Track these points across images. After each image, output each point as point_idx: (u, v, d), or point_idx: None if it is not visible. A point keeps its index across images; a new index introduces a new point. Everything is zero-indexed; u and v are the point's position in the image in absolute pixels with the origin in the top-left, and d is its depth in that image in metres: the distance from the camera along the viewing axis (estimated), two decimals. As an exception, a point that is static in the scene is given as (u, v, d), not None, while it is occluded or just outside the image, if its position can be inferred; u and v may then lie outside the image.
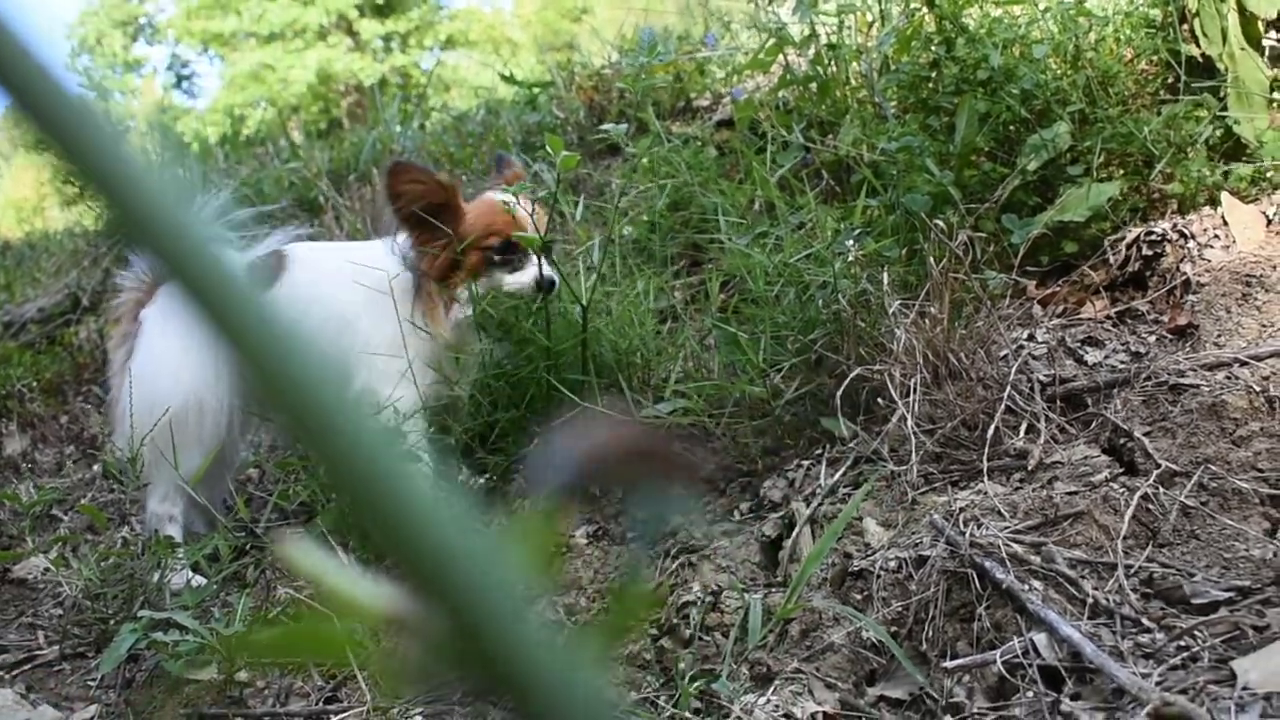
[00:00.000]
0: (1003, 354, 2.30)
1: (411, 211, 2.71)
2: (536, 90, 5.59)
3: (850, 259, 2.46)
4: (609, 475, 0.47)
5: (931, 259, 2.31)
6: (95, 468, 3.83)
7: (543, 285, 2.68)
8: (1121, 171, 2.91)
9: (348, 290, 2.70)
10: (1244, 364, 2.11)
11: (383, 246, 2.81)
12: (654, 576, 2.15)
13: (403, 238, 2.76)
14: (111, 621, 2.40)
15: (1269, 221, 2.60)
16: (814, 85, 3.70)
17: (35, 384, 4.71)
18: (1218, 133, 2.88)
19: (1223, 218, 2.65)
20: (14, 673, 2.37)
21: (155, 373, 2.78)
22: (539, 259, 2.70)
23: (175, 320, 2.85)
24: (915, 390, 2.18)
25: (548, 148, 2.57)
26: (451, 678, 0.36)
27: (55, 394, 4.69)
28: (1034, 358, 2.31)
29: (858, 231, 2.61)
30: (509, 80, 5.98)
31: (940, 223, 2.44)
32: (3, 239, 7.90)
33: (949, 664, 1.60)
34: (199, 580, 2.52)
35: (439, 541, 0.34)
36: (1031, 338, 2.42)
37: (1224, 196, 2.68)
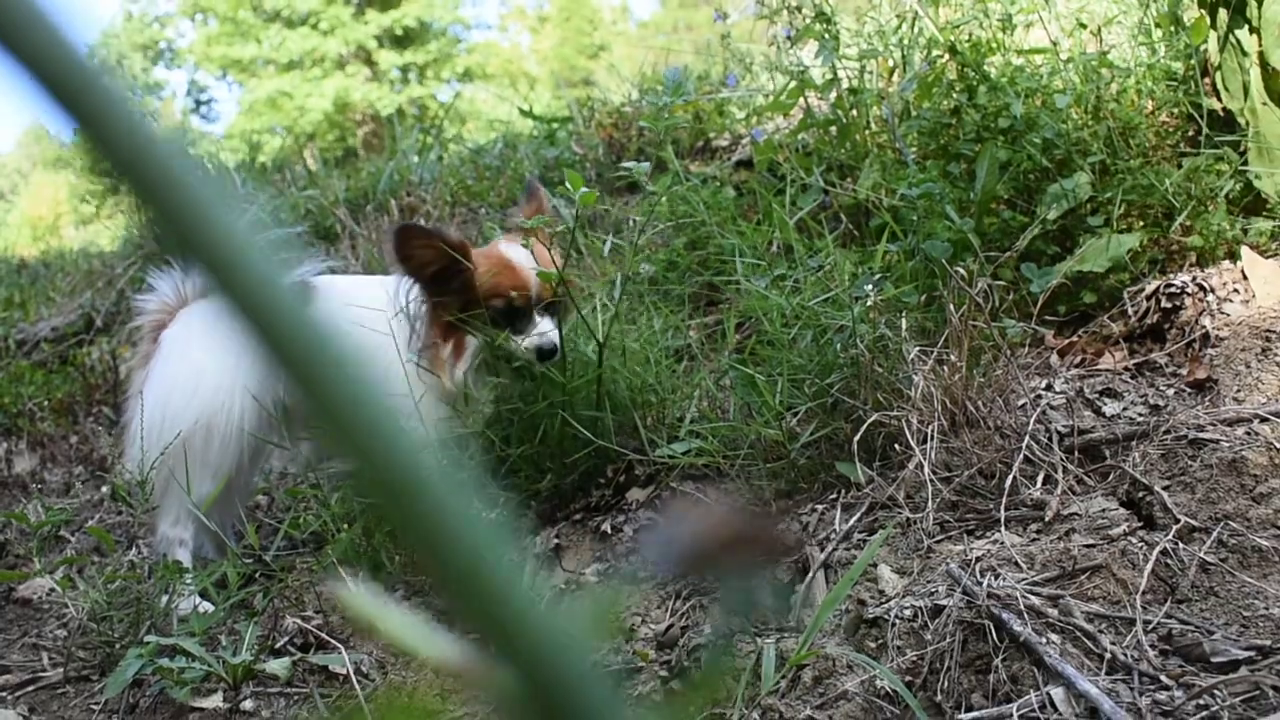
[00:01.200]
0: (1021, 403, 2.30)
1: (422, 274, 2.70)
2: (555, 125, 5.62)
3: (869, 304, 2.46)
4: (714, 562, 0.47)
5: (950, 306, 2.31)
6: (104, 489, 3.83)
7: (543, 353, 2.68)
8: (1141, 223, 2.91)
9: (372, 322, 2.70)
10: (1264, 420, 2.10)
11: (395, 285, 2.80)
12: (665, 618, 2.14)
13: (411, 291, 2.75)
14: (117, 645, 2.39)
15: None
16: (834, 129, 3.72)
17: (46, 403, 4.72)
18: (1238, 187, 2.88)
19: (1242, 272, 2.65)
20: (17, 694, 2.36)
21: (169, 394, 2.79)
22: (551, 318, 2.70)
23: (193, 343, 2.86)
24: (932, 437, 2.17)
25: (566, 184, 2.57)
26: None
27: (66, 414, 4.70)
28: (1052, 408, 2.31)
29: (877, 276, 2.61)
30: (527, 115, 6.02)
31: (960, 270, 2.44)
32: (18, 257, 7.94)
33: (964, 717, 1.58)
34: (206, 606, 2.51)
35: (510, 603, 0.33)
36: (1050, 388, 2.42)
37: (1244, 251, 2.68)
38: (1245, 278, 2.64)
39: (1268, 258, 2.69)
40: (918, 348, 2.33)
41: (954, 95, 3.20)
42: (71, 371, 5.09)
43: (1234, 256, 2.72)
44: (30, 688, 2.39)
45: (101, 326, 5.59)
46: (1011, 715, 1.54)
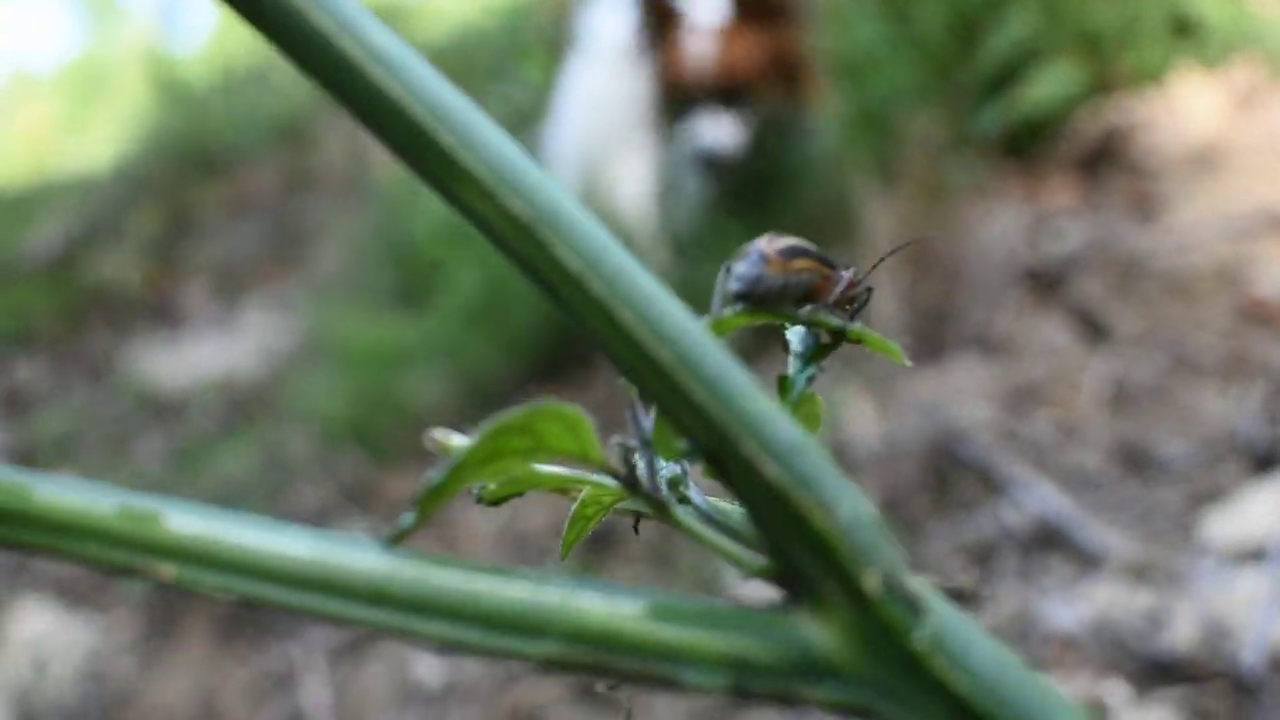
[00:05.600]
0: (973, 238, 2.29)
1: None
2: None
3: (822, 153, 2.43)
4: None
5: (902, 151, 2.28)
6: (119, 396, 3.82)
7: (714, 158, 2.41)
8: (1080, 56, 2.85)
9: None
10: (1203, 239, 2.10)
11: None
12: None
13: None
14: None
15: (1227, 99, 2.56)
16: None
17: (53, 313, 4.66)
18: (1172, 12, 2.81)
19: (1179, 97, 2.61)
20: (53, 593, 2.39)
21: None
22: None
23: None
24: (892, 280, 2.17)
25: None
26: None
27: (73, 321, 4.65)
28: (1003, 242, 2.30)
29: (829, 126, 2.57)
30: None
31: (910, 115, 2.40)
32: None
33: (931, 537, 1.61)
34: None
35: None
36: (1001, 222, 2.40)
37: (1180, 76, 2.64)
38: (1182, 103, 2.60)
39: (1204, 81, 2.64)
40: (872, 193, 2.31)
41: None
42: (76, 280, 5.03)
43: (1171, 82, 2.68)
44: (63, 577, 2.41)
45: (99, 237, 5.50)
46: (973, 532, 1.56)
